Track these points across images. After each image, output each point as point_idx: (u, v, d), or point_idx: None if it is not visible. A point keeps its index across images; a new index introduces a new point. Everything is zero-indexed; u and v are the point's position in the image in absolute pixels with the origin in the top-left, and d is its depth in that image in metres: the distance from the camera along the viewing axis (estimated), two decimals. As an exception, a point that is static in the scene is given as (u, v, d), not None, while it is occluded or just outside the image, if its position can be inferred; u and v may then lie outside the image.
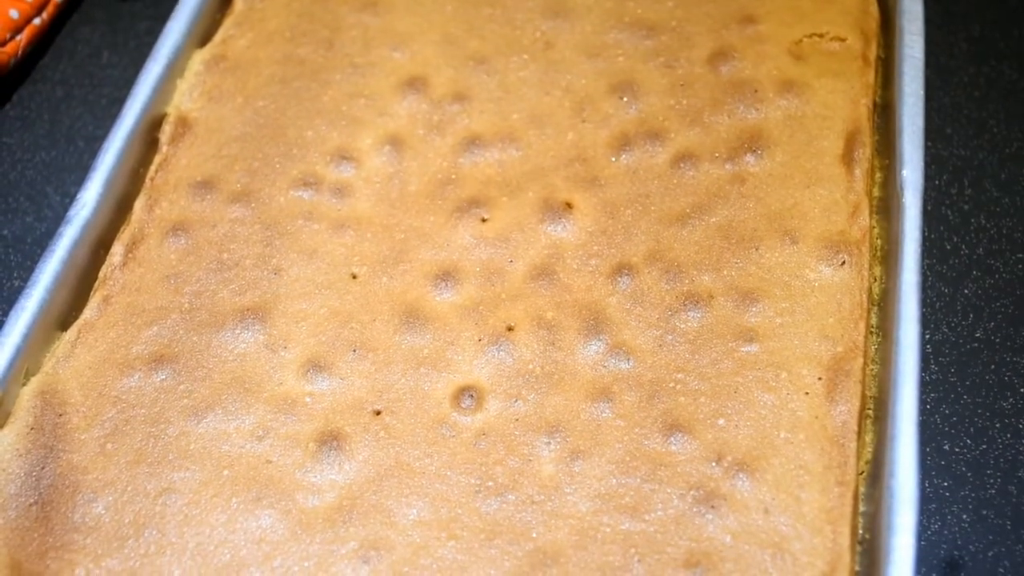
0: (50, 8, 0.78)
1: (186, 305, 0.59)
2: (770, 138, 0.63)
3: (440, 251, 0.60)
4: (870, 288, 0.58)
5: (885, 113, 0.64)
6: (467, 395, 0.55)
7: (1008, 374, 0.62)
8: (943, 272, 0.66)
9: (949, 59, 0.76)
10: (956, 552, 0.56)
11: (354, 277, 0.60)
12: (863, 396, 0.54)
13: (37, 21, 0.77)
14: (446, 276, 0.59)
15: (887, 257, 0.58)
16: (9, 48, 0.75)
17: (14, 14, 0.75)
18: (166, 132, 0.66)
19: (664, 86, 0.66)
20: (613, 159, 0.63)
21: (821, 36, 0.67)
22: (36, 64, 0.79)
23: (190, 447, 0.54)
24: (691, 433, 0.53)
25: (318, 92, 0.67)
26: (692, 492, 0.51)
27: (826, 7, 0.68)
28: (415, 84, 0.67)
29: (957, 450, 0.59)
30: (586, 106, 0.65)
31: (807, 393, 0.54)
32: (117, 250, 0.61)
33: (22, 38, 0.76)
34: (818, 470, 0.52)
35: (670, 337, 0.56)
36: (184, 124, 0.66)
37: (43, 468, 0.54)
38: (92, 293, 0.60)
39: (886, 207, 0.60)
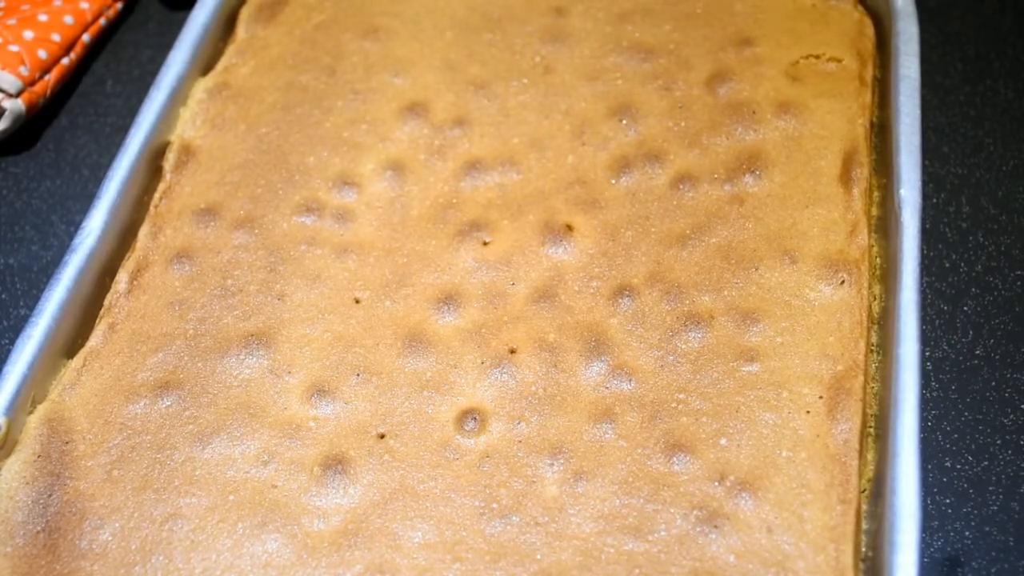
0: (78, 48, 0.79)
1: (191, 331, 0.59)
2: (768, 159, 0.63)
3: (442, 275, 0.61)
4: (870, 306, 0.58)
5: (882, 133, 0.65)
6: (470, 418, 0.55)
7: (1008, 391, 0.62)
8: (942, 290, 0.66)
9: (945, 79, 0.77)
10: (959, 569, 0.56)
11: (357, 302, 0.60)
12: (864, 414, 0.55)
13: (65, 61, 0.78)
14: (448, 299, 0.59)
15: (886, 275, 0.59)
16: (39, 88, 0.76)
17: (42, 54, 0.76)
18: (170, 160, 0.66)
19: (663, 108, 0.66)
20: (613, 181, 0.63)
21: (818, 57, 0.68)
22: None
23: (196, 473, 0.54)
24: (693, 453, 0.53)
25: (320, 118, 0.67)
26: (695, 512, 0.52)
27: (822, 29, 0.69)
28: (416, 109, 0.67)
29: (959, 467, 0.59)
30: (586, 129, 0.66)
31: (808, 412, 0.54)
32: (122, 278, 0.62)
33: (51, 78, 0.77)
34: (820, 488, 0.52)
35: (671, 358, 0.56)
36: (187, 152, 0.67)
37: (50, 496, 0.54)
38: (97, 321, 0.60)
39: (884, 226, 0.61)
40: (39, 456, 0.55)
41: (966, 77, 0.77)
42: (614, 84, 0.68)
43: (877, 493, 0.52)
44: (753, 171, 0.63)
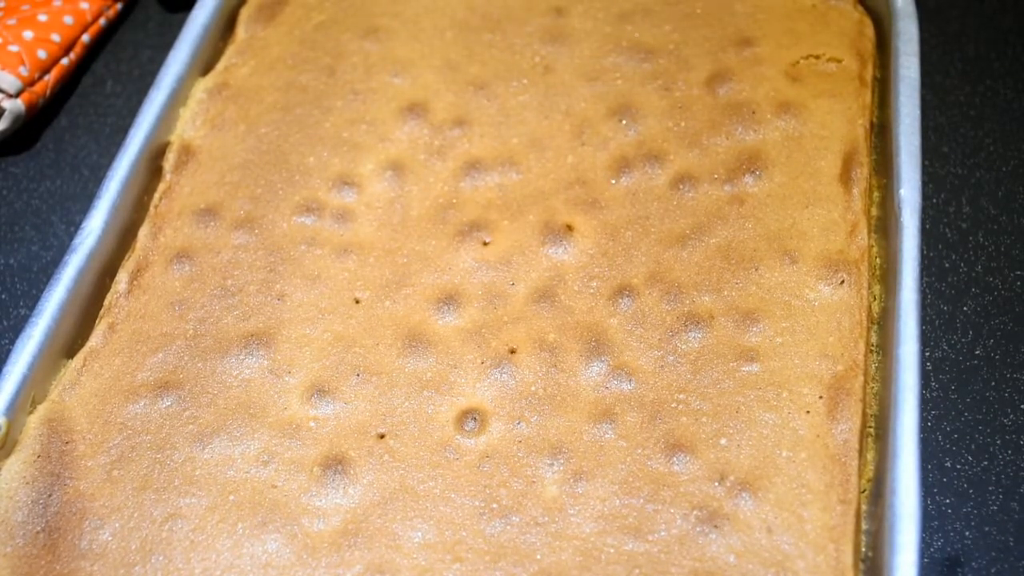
0: (78, 48, 0.79)
1: (191, 332, 0.59)
2: (768, 159, 0.63)
3: (442, 275, 0.61)
4: (870, 307, 0.58)
5: (882, 133, 0.65)
6: (470, 418, 0.55)
7: (1008, 391, 0.62)
8: (942, 290, 0.66)
9: (945, 79, 0.77)
10: (959, 569, 0.56)
11: (357, 302, 0.60)
12: (864, 414, 0.55)
13: (65, 61, 0.78)
14: (448, 300, 0.59)
15: (886, 276, 0.59)
16: (38, 88, 0.76)
17: (42, 54, 0.76)
18: (170, 160, 0.66)
19: (663, 109, 0.66)
20: (613, 182, 0.63)
21: (817, 57, 0.68)
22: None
23: (196, 473, 0.54)
24: (693, 453, 0.53)
25: (320, 119, 0.67)
26: (695, 512, 0.52)
27: (822, 29, 0.69)
28: (416, 109, 0.67)
29: (958, 467, 0.59)
30: (585, 129, 0.66)
31: (808, 412, 0.54)
32: (122, 278, 0.62)
33: (51, 78, 0.77)
34: (820, 488, 0.52)
35: (671, 358, 0.56)
36: (187, 152, 0.67)
37: (50, 496, 0.54)
38: (97, 321, 0.60)
39: (884, 226, 0.61)
40: (39, 456, 0.55)
41: (966, 77, 0.77)
42: (614, 84, 0.68)
43: (877, 493, 0.52)
44: (753, 171, 0.63)
